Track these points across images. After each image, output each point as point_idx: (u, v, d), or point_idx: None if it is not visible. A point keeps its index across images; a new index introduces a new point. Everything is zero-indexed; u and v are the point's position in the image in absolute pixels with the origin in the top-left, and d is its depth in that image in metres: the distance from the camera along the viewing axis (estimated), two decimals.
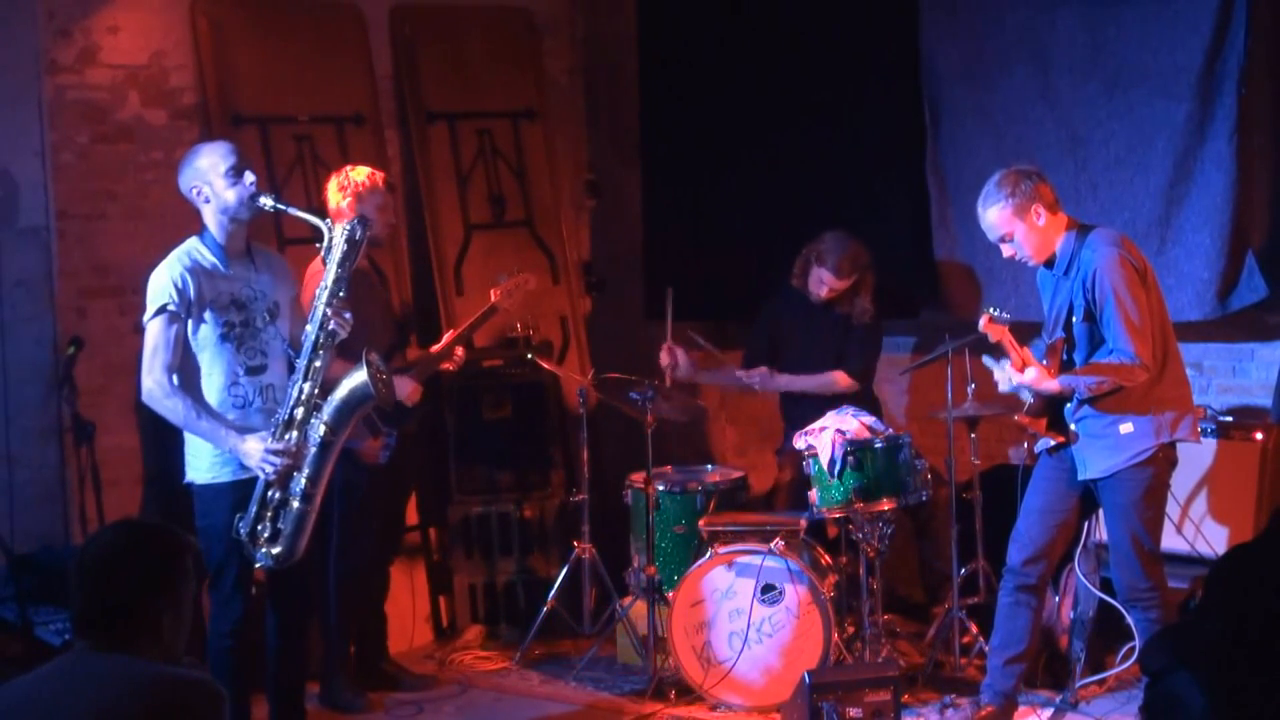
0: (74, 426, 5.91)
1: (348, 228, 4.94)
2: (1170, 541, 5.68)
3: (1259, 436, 5.92)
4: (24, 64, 6.11)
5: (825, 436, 5.85)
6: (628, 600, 6.43)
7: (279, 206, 5.02)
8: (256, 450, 4.87)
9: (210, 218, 4.98)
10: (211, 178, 4.93)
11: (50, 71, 6.14)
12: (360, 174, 5.84)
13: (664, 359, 6.51)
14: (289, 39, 6.85)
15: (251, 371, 4.99)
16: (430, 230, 7.24)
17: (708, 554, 5.93)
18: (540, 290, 7.39)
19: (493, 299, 6.29)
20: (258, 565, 4.97)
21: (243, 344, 4.97)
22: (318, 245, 5.01)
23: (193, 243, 5.00)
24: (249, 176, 4.93)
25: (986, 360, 5.35)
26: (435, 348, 6.21)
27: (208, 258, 4.96)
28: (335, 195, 5.80)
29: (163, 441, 6.24)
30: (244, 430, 4.91)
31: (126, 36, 6.36)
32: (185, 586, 3.10)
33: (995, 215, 5.23)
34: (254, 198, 4.91)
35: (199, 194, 4.96)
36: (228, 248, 4.98)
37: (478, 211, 7.39)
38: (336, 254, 4.93)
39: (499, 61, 7.52)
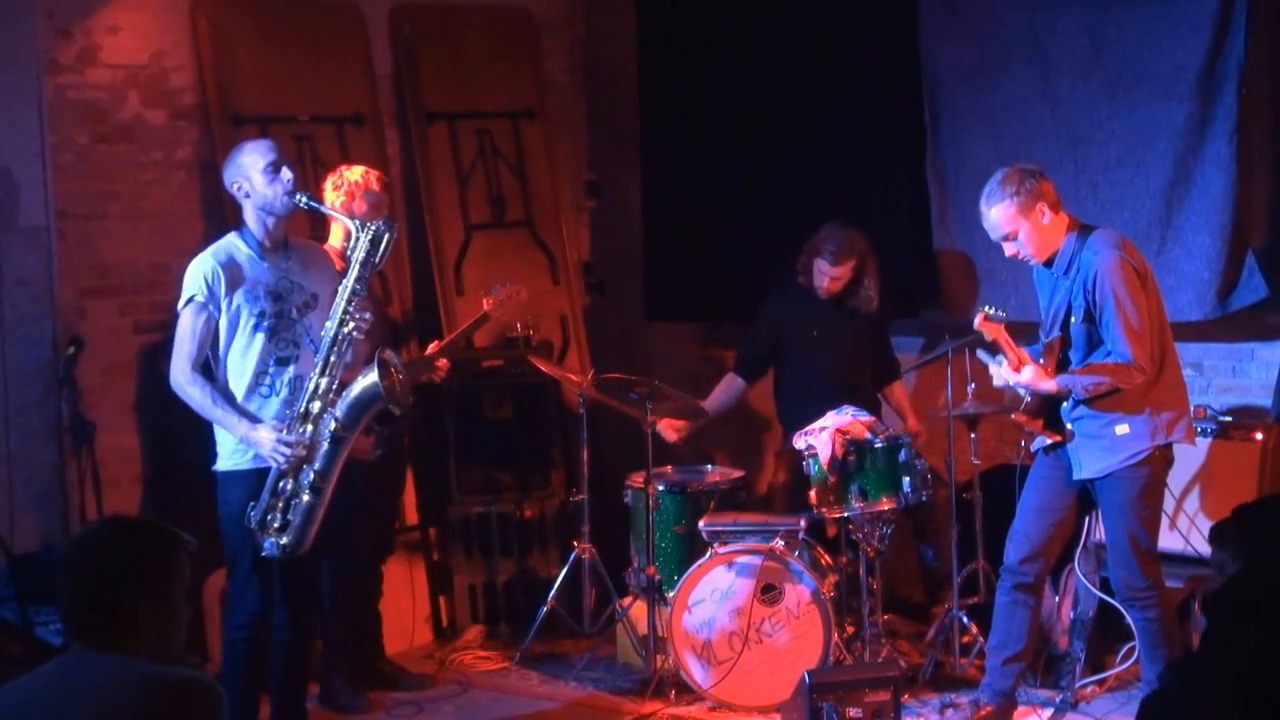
0: (74, 426, 5.91)
1: (373, 228, 5.03)
2: (1169, 541, 5.69)
3: (1259, 436, 5.92)
4: (24, 64, 6.11)
5: (825, 436, 5.85)
6: (628, 600, 6.43)
7: (312, 204, 5.17)
8: (268, 439, 4.95)
9: (249, 213, 5.11)
10: (251, 173, 5.05)
11: (50, 71, 6.13)
12: (355, 173, 5.86)
13: (670, 436, 6.59)
14: (289, 39, 6.84)
15: (281, 362, 5.07)
16: (430, 230, 7.23)
17: (708, 554, 5.94)
18: (540, 290, 7.39)
19: (485, 308, 6.29)
20: (264, 553, 5.00)
21: (275, 334, 5.06)
22: (346, 243, 5.17)
23: (231, 237, 5.13)
24: (286, 174, 5.05)
25: (981, 354, 5.35)
26: (426, 353, 6.18)
27: (243, 251, 5.08)
28: (331, 195, 5.82)
29: (163, 441, 6.25)
30: (269, 419, 4.99)
31: (126, 36, 6.35)
32: (170, 582, 3.02)
33: (999, 213, 5.22)
34: (289, 195, 5.03)
35: (239, 189, 5.09)
36: (265, 242, 5.09)
37: (478, 211, 7.39)
38: (360, 253, 5.02)
39: (499, 61, 7.52)
